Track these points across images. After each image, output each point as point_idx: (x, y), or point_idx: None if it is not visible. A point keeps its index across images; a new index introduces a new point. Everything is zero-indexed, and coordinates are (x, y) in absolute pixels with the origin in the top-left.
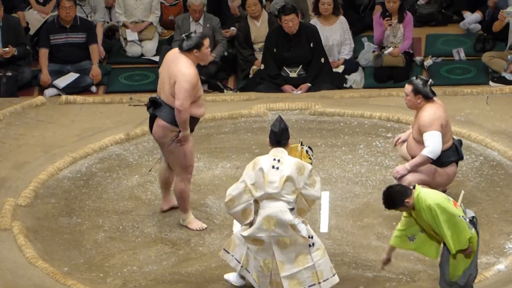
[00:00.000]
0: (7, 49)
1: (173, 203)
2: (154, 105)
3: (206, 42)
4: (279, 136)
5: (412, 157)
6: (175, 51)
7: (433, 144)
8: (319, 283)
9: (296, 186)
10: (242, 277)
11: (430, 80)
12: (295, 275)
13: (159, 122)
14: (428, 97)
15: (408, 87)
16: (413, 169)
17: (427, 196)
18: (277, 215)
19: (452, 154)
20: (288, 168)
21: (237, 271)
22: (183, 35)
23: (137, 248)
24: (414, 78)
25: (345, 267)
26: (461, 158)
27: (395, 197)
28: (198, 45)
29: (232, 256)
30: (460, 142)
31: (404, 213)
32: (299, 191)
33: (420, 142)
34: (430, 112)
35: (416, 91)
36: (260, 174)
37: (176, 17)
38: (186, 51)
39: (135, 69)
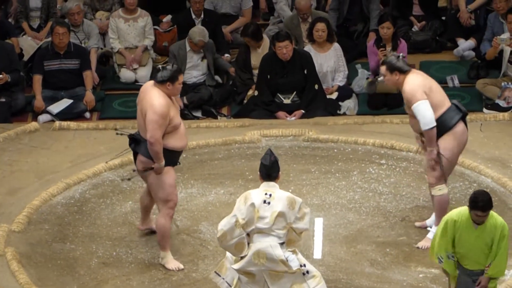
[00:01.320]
0: (1, 75)
1: (151, 226)
2: (135, 142)
3: (181, 77)
4: (270, 169)
5: (419, 133)
6: (149, 83)
7: (422, 116)
8: None
9: (287, 221)
10: None
11: (402, 54)
12: None
13: (139, 157)
14: (404, 70)
15: (382, 68)
16: (433, 146)
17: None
18: (267, 250)
19: (454, 113)
20: (280, 203)
21: None
22: (158, 65)
23: (131, 274)
24: (385, 57)
25: None
26: (465, 113)
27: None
28: (172, 79)
29: (223, 279)
30: (458, 101)
31: (441, 234)
32: (289, 226)
33: (415, 116)
34: (410, 84)
35: (392, 68)
36: (251, 209)
37: (171, 46)
38: (159, 82)
39: (129, 95)
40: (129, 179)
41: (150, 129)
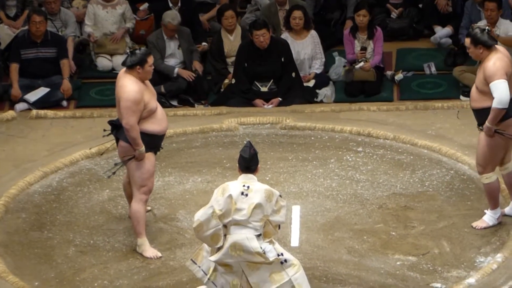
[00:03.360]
0: None
1: None
2: (116, 128)
3: (150, 59)
4: (249, 162)
5: (474, 109)
6: (122, 71)
7: (499, 94)
8: None
9: (265, 213)
10: None
11: (487, 27)
12: None
13: (121, 143)
14: (489, 45)
15: (467, 40)
16: (493, 124)
17: None
18: (244, 242)
19: (510, 109)
20: (258, 195)
21: (203, 282)
22: (128, 50)
23: (108, 262)
24: (471, 29)
25: (316, 281)
26: None
27: None
28: (141, 62)
29: (199, 267)
30: None
31: None
32: (266, 218)
33: (483, 93)
34: (495, 61)
35: (476, 42)
36: (229, 201)
37: (149, 36)
38: (129, 67)
39: (106, 83)
40: (113, 173)
41: (125, 115)
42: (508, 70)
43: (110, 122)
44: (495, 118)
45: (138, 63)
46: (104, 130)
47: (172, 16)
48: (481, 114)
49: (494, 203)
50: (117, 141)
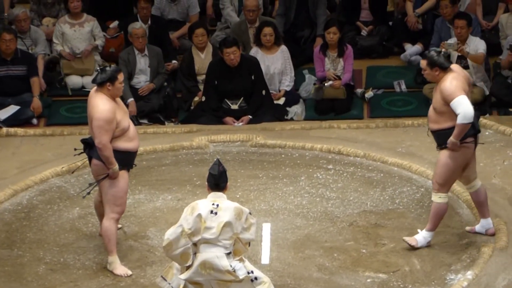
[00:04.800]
0: None
1: None
2: (88, 146)
3: (121, 76)
4: (218, 180)
5: (432, 131)
6: (92, 90)
7: (463, 109)
8: None
9: (234, 231)
10: None
11: (443, 50)
12: None
13: (93, 161)
14: (445, 67)
15: (423, 62)
16: (459, 138)
17: None
18: (213, 261)
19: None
20: (227, 213)
21: None
22: (98, 67)
23: (79, 280)
24: (428, 51)
25: None
26: (478, 131)
27: None
28: (112, 79)
29: (170, 284)
30: (478, 115)
31: None
32: (236, 236)
33: (441, 114)
34: (451, 80)
35: (433, 64)
36: (198, 220)
37: (120, 53)
38: (99, 84)
39: (76, 101)
40: (88, 193)
41: (97, 135)
42: (465, 88)
43: (83, 141)
44: (460, 134)
45: (108, 80)
46: (75, 149)
47: (134, 24)
48: (440, 135)
49: (433, 225)
50: (89, 160)
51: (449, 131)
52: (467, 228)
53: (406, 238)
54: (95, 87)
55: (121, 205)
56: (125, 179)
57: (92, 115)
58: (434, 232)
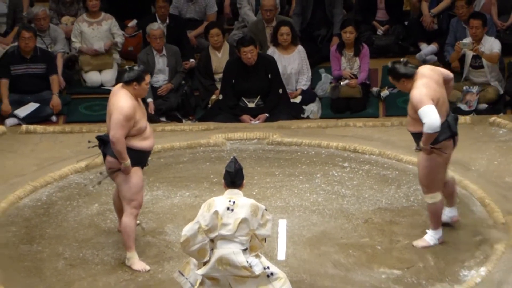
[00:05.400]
0: None
1: None
2: (103, 143)
3: (147, 77)
4: (234, 177)
5: (410, 132)
6: (117, 86)
7: (428, 120)
8: None
9: (250, 227)
10: None
11: (402, 59)
12: None
13: (108, 158)
14: (409, 75)
15: (390, 78)
16: (427, 145)
17: None
18: (230, 257)
19: (444, 131)
20: (243, 210)
21: None
22: (126, 66)
23: (97, 275)
24: (390, 64)
25: None
26: (455, 133)
27: None
28: (139, 79)
29: (187, 279)
30: (455, 118)
31: None
32: (252, 232)
33: (415, 119)
34: (420, 89)
35: (398, 77)
36: (215, 217)
37: (139, 54)
38: (125, 83)
39: (95, 99)
40: (99, 183)
41: (113, 128)
42: (435, 95)
43: (98, 137)
44: (427, 141)
45: (135, 80)
46: (89, 142)
47: (152, 25)
48: (416, 137)
49: (436, 224)
50: (104, 156)
51: (422, 134)
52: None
53: (416, 243)
54: (120, 84)
55: (137, 200)
56: (139, 175)
57: (113, 109)
58: (442, 228)
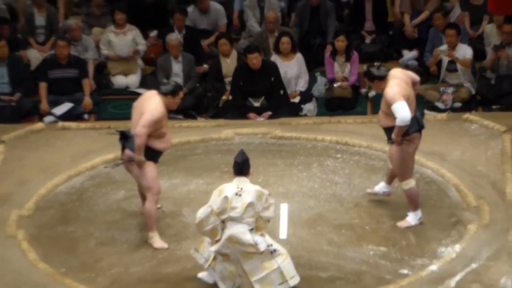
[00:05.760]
0: (14, 97)
1: None
2: (124, 138)
3: (181, 93)
4: (242, 167)
5: (382, 127)
6: (153, 92)
7: (400, 114)
8: (287, 281)
9: (256, 210)
10: None
11: (376, 63)
12: (264, 278)
13: (126, 151)
14: (382, 77)
15: (366, 80)
16: (398, 137)
17: None
18: (238, 236)
19: (414, 124)
20: (249, 195)
21: (205, 268)
22: (164, 80)
23: (123, 252)
24: (366, 67)
25: (301, 268)
26: (422, 127)
27: None
28: (174, 93)
29: (201, 255)
30: (422, 113)
31: None
32: (258, 214)
33: (388, 114)
34: (393, 87)
35: (372, 78)
36: (225, 201)
37: (158, 59)
38: (162, 93)
39: (121, 99)
40: (115, 165)
41: (141, 124)
42: (405, 93)
43: (121, 132)
44: (399, 133)
45: (171, 93)
46: (109, 127)
47: (170, 35)
48: (388, 131)
49: (414, 206)
50: (122, 149)
51: (394, 128)
52: (368, 190)
53: (399, 224)
54: (155, 91)
55: (155, 187)
56: (152, 167)
57: (146, 110)
58: (421, 210)
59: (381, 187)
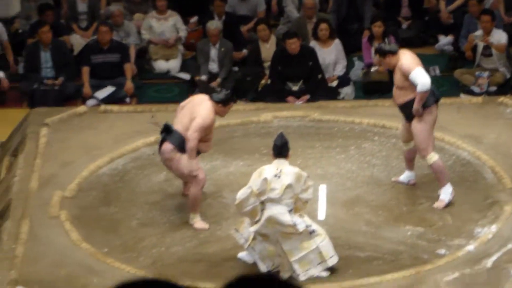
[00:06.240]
0: (58, 81)
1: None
2: (167, 131)
3: (232, 105)
4: (281, 149)
5: (398, 105)
6: (204, 96)
7: (421, 80)
8: (326, 260)
9: (294, 192)
10: None
11: (386, 39)
12: (302, 258)
13: (166, 144)
14: (394, 51)
15: (376, 57)
16: (420, 106)
17: None
18: (277, 216)
19: (429, 98)
20: (288, 177)
21: (244, 248)
22: (218, 88)
23: (165, 232)
24: (377, 45)
25: (339, 248)
26: (438, 99)
27: None
28: (225, 102)
29: (241, 235)
30: (434, 87)
31: None
32: (296, 196)
33: (403, 89)
34: (406, 58)
35: (383, 53)
36: (264, 182)
37: (198, 42)
38: (214, 101)
39: (162, 84)
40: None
41: (194, 129)
42: (419, 63)
43: (166, 125)
44: (421, 100)
45: (222, 102)
46: (152, 117)
47: (210, 23)
48: (406, 108)
49: (443, 179)
50: (162, 142)
51: (412, 101)
52: (393, 178)
53: (436, 205)
54: (207, 96)
55: (197, 175)
56: (184, 159)
57: (198, 115)
58: (450, 184)
59: (405, 176)
